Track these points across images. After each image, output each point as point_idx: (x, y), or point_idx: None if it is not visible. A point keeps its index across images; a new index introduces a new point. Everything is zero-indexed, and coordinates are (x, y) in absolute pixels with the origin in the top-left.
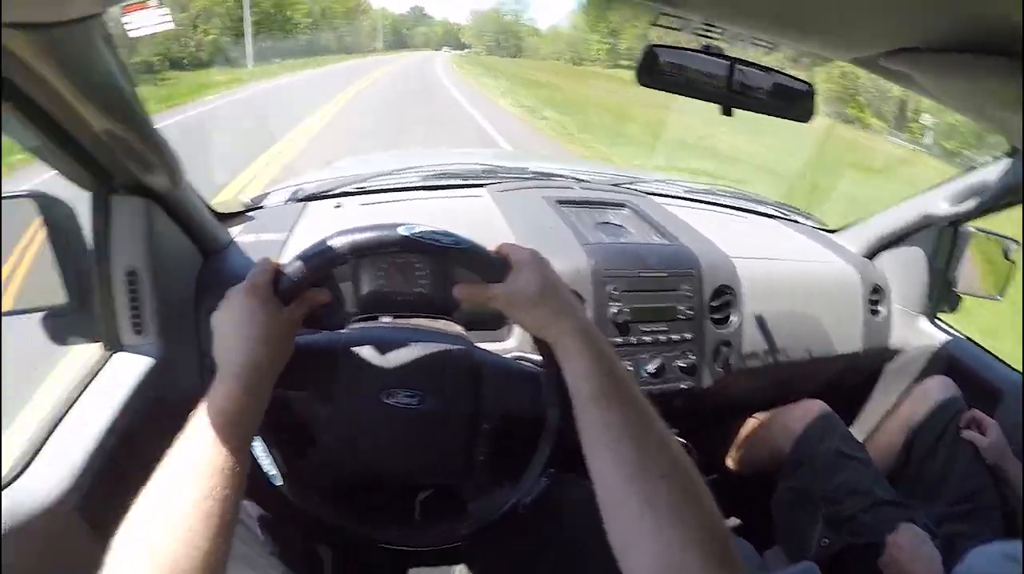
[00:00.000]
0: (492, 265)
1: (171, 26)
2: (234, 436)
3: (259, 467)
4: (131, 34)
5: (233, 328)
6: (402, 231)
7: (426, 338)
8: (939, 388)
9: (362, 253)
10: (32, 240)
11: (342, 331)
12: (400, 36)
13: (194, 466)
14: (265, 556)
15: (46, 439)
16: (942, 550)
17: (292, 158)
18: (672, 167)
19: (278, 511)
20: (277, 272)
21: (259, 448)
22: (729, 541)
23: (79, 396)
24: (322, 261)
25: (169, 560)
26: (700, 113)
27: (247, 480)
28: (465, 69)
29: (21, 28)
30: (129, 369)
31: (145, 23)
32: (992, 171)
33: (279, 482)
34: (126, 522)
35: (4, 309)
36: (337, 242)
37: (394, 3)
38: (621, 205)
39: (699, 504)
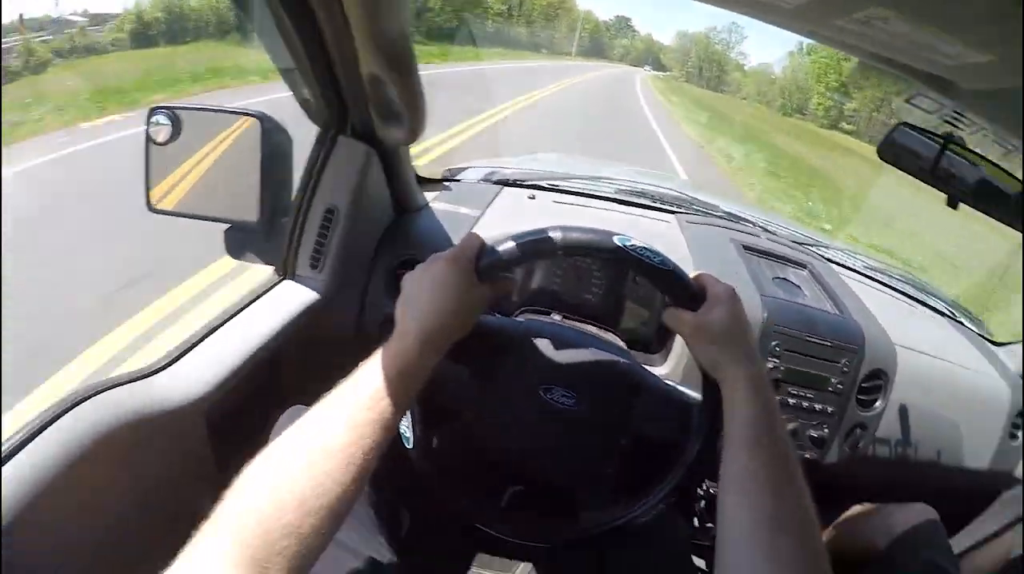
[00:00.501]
0: (691, 293)
1: None
2: (397, 392)
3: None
4: None
5: (428, 290)
6: (616, 240)
7: (595, 344)
8: None
9: (574, 252)
10: (242, 155)
11: (518, 319)
12: (598, 44)
13: (351, 412)
14: (366, 509)
15: (198, 343)
16: None
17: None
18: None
19: (400, 475)
20: (483, 249)
21: None
22: None
23: (240, 311)
24: (533, 249)
25: (299, 494)
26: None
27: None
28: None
29: None
30: (294, 298)
31: None
32: None
33: (410, 446)
34: (270, 447)
35: (195, 212)
36: (553, 235)
37: (600, 6)
38: (802, 265)
39: (817, 564)
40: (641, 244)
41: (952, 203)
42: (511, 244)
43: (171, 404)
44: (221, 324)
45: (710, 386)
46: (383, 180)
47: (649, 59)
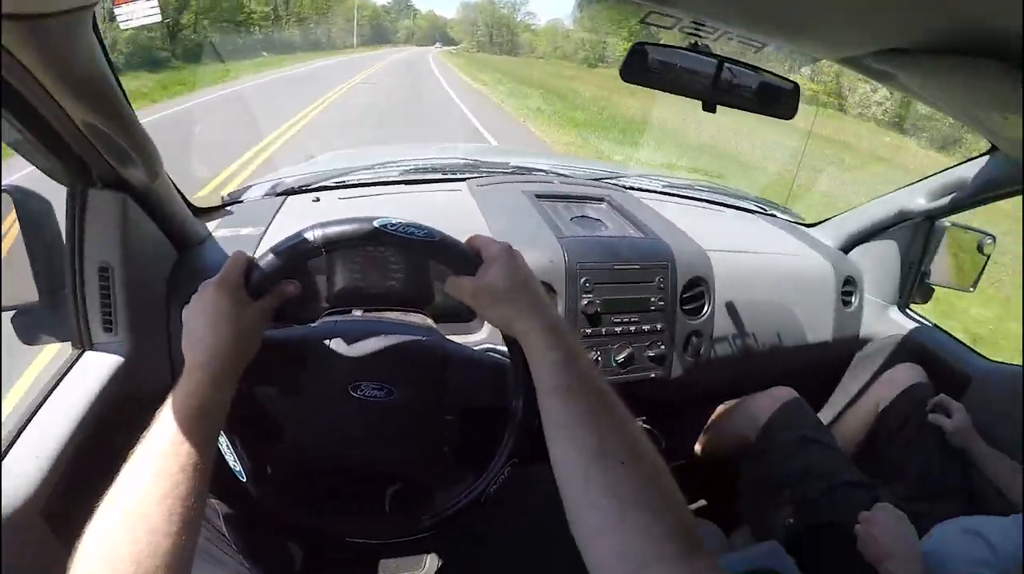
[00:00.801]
0: (463, 258)
1: (159, 18)
2: (198, 431)
3: (225, 464)
4: (122, 26)
5: (202, 321)
6: (376, 223)
7: (394, 330)
8: (907, 375)
9: (334, 246)
10: (7, 235)
11: (311, 325)
12: (380, 30)
13: (157, 462)
14: (233, 554)
15: (13, 442)
16: None
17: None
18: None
19: (246, 509)
20: (250, 266)
21: (224, 444)
22: (692, 526)
23: (48, 397)
24: (294, 254)
25: (132, 560)
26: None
27: (213, 477)
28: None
29: (11, 19)
30: (99, 368)
31: (135, 15)
32: (970, 168)
33: (244, 478)
34: (91, 523)
35: None
36: (309, 235)
37: None
38: (600, 199)
39: (661, 490)
40: (402, 222)
41: (709, 107)
42: (272, 256)
43: (5, 511)
44: (32, 415)
45: (511, 343)
46: (151, 223)
47: (436, 36)
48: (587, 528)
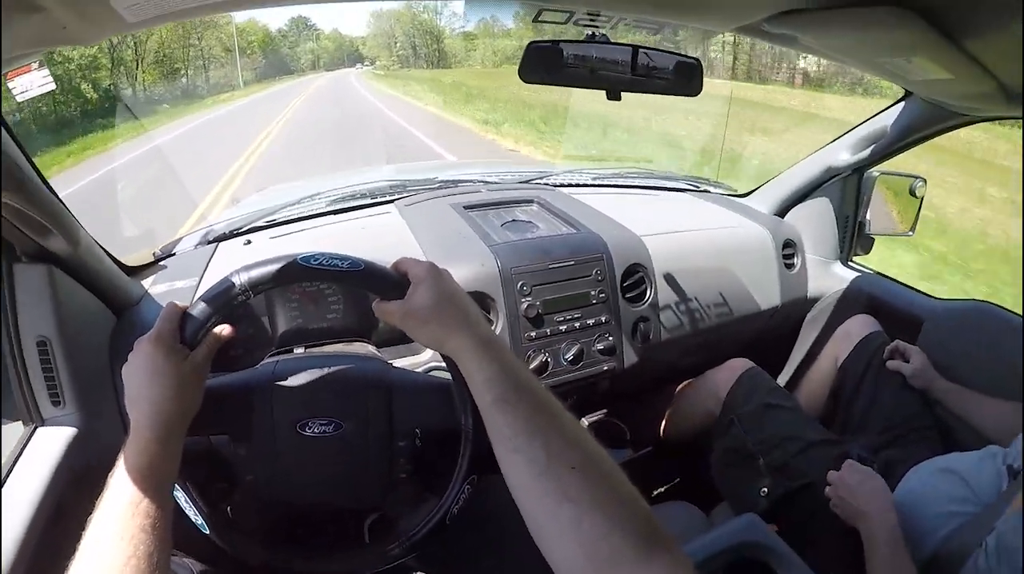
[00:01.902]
0: (391, 283)
1: (53, 86)
2: (150, 489)
3: (187, 517)
4: (18, 98)
5: (140, 378)
6: (299, 260)
7: (334, 364)
8: (860, 326)
9: (260, 288)
10: None
11: (254, 369)
12: (278, 59)
13: (115, 527)
14: None
15: None
16: (881, 476)
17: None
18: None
19: (215, 561)
20: (183, 317)
21: (182, 498)
22: (650, 523)
23: (5, 478)
24: (223, 301)
25: None
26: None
27: (174, 533)
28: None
29: None
30: (52, 443)
31: (30, 86)
32: (888, 116)
33: (208, 530)
34: None
35: None
36: (235, 279)
37: (266, 17)
38: (529, 201)
39: (615, 490)
40: (328, 254)
41: (613, 95)
42: (203, 304)
43: None
44: None
45: (448, 362)
46: (83, 290)
47: (347, 57)
48: (546, 536)
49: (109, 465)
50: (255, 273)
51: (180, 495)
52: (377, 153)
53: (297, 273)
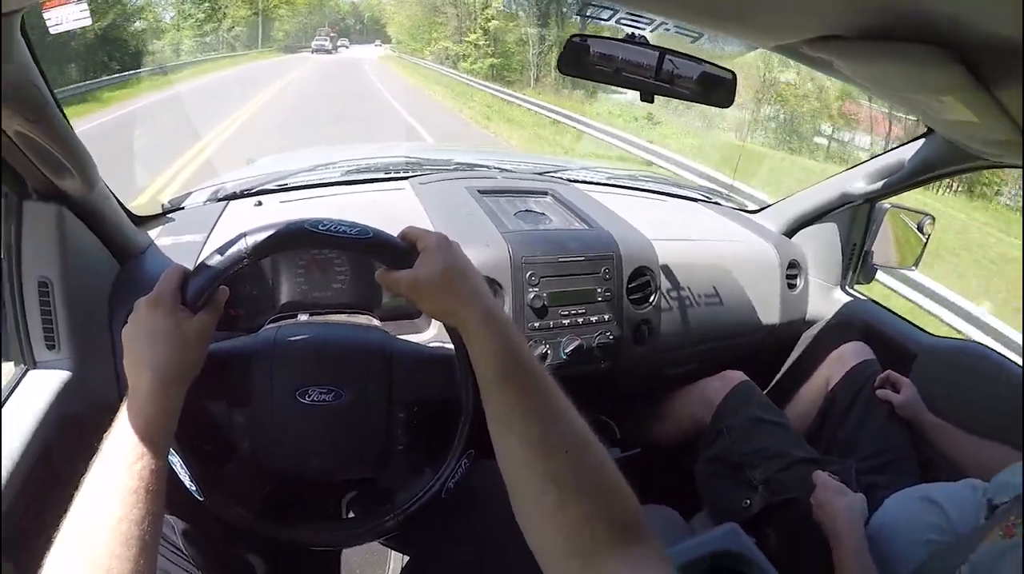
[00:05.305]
0: (398, 252)
1: (89, 22)
2: (147, 453)
3: (179, 481)
4: (52, 30)
5: (140, 342)
6: (306, 226)
7: (336, 332)
8: (854, 352)
9: (265, 252)
10: None
11: (255, 335)
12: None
13: (109, 488)
14: (192, 570)
15: None
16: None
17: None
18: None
19: (204, 525)
20: (184, 279)
21: (177, 463)
22: (636, 515)
23: None
24: (226, 264)
25: None
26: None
27: (167, 497)
28: None
29: None
30: (44, 387)
31: (65, 19)
32: (907, 151)
33: (201, 496)
34: (49, 556)
35: None
36: (240, 243)
37: None
38: (543, 193)
39: (603, 479)
40: (334, 221)
41: (646, 97)
42: (205, 267)
43: None
44: None
45: (452, 334)
46: (90, 234)
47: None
48: (529, 516)
49: (98, 415)
50: (260, 236)
51: (175, 459)
52: None
53: (304, 238)
